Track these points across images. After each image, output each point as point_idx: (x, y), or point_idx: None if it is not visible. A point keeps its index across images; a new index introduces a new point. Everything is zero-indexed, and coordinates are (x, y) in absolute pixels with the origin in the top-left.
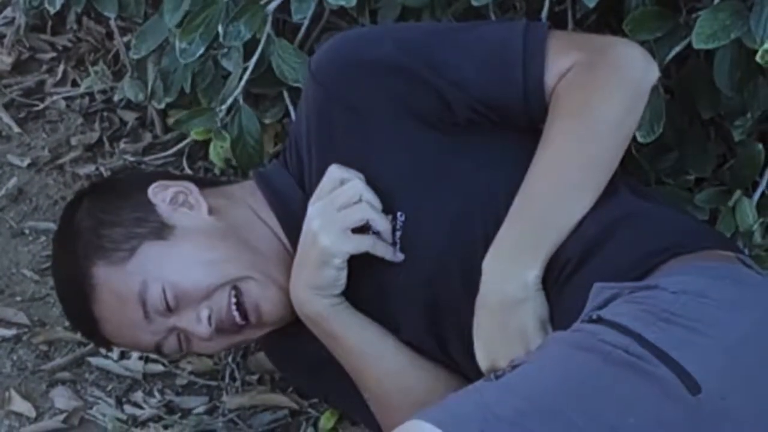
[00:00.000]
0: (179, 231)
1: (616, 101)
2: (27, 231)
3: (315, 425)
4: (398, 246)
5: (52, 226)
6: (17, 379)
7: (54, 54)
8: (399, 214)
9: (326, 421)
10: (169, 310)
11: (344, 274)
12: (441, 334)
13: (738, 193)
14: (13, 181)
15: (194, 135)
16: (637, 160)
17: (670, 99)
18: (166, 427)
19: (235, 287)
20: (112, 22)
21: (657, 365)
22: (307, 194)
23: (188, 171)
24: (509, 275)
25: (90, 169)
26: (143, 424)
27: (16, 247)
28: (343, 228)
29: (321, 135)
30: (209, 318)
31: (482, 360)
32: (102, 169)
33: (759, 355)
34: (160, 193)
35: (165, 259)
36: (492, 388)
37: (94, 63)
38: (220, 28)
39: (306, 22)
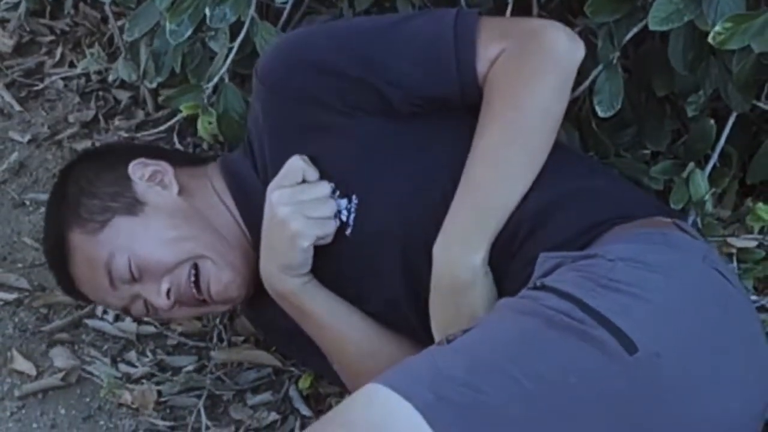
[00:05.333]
0: (149, 208)
1: (545, 86)
2: (27, 202)
3: (297, 383)
4: (351, 228)
5: None
6: (19, 339)
7: (53, 37)
8: (353, 197)
9: (305, 381)
10: (134, 279)
11: (311, 254)
12: (397, 308)
13: (691, 165)
14: (15, 155)
15: (183, 109)
16: (598, 135)
17: (628, 78)
18: (158, 383)
19: (195, 265)
20: (106, 7)
21: (596, 327)
22: (262, 181)
23: (178, 146)
24: (457, 260)
25: (86, 144)
26: (137, 381)
27: (17, 217)
28: (311, 216)
29: (272, 133)
30: (168, 291)
31: (438, 338)
32: (98, 144)
33: (691, 313)
34: (139, 171)
35: (133, 234)
36: (443, 352)
37: (90, 45)
38: (207, 11)
39: (288, 7)
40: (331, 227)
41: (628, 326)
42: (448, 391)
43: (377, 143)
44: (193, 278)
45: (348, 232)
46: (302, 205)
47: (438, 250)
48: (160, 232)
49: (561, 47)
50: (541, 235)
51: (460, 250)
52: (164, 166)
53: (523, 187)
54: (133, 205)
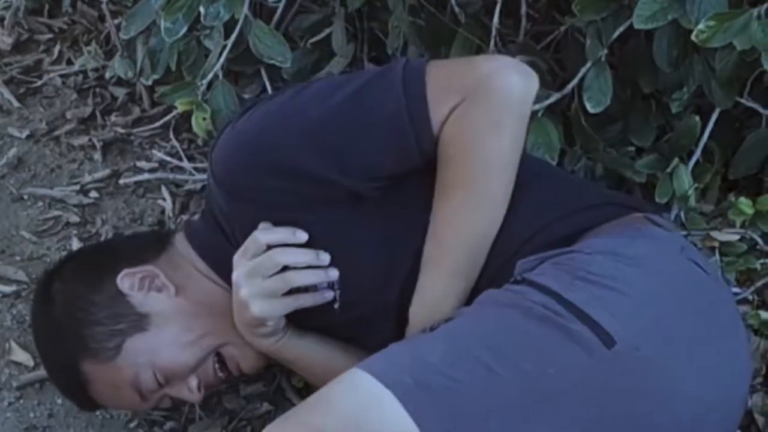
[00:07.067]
0: (155, 318)
1: (501, 138)
2: (26, 197)
3: (289, 375)
4: (338, 302)
5: (49, 192)
6: (17, 331)
7: (51, 35)
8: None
9: (299, 377)
10: (161, 386)
11: (282, 323)
12: None
13: (676, 160)
14: (13, 151)
15: (178, 106)
16: (585, 131)
17: (614, 75)
18: None
19: (216, 353)
20: (104, 6)
21: (573, 321)
22: (233, 245)
23: (174, 142)
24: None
25: (83, 140)
26: None
27: (16, 212)
28: (270, 295)
29: (239, 225)
30: (198, 385)
31: None
32: (95, 140)
33: (668, 304)
34: (128, 282)
35: (151, 348)
36: (425, 338)
37: (88, 43)
38: (201, 9)
39: (281, 6)
40: (294, 303)
41: (605, 320)
42: (425, 377)
43: (344, 225)
44: (217, 364)
45: (336, 305)
46: (260, 284)
47: (413, 311)
48: (175, 338)
49: (513, 91)
50: (521, 256)
51: (434, 315)
52: (150, 270)
53: (490, 239)
54: (139, 321)
